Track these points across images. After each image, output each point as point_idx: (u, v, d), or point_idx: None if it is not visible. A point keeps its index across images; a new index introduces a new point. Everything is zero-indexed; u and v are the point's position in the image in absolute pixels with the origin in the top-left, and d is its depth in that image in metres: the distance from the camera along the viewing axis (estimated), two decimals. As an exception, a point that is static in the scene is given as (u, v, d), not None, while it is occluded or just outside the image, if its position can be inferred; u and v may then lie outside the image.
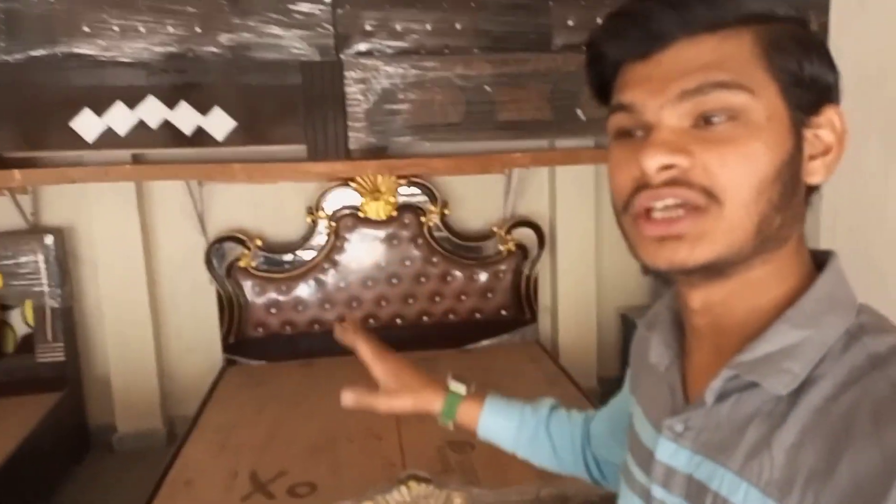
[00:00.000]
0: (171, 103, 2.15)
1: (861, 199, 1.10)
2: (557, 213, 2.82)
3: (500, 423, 0.84)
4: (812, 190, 0.52)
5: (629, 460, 0.63)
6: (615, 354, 3.08)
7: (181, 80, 2.17)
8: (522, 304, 2.82)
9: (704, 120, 0.48)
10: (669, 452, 0.54)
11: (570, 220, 2.83)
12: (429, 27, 2.33)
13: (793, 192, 0.49)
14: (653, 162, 0.48)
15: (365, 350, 0.88)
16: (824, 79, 0.49)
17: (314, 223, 2.65)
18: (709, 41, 0.48)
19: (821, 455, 0.45)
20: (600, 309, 2.99)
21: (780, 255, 0.50)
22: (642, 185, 0.49)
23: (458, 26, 2.36)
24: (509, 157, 2.42)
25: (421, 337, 2.74)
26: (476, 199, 2.82)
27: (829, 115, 0.50)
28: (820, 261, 0.53)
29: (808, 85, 0.48)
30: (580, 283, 2.90)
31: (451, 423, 0.85)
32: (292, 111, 2.28)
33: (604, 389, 2.93)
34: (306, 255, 2.68)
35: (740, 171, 0.47)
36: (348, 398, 0.87)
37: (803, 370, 0.47)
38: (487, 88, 2.38)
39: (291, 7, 2.24)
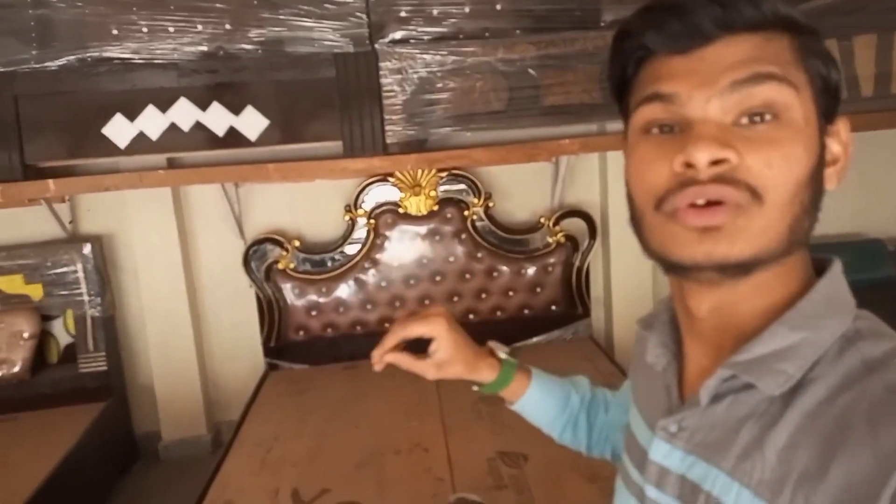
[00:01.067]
0: (203, 104, 2.12)
1: None
2: (609, 201, 2.70)
3: (544, 404, 0.84)
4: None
5: (625, 459, 0.64)
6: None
7: (213, 80, 2.14)
8: (574, 298, 2.73)
9: (747, 118, 0.48)
10: (663, 452, 0.55)
11: (623, 209, 2.68)
12: (467, 10, 2.24)
13: (819, 197, 0.50)
14: (705, 155, 0.47)
15: (404, 360, 0.83)
16: (839, 90, 0.51)
17: (353, 221, 2.61)
18: (752, 39, 0.49)
19: (813, 456, 0.45)
20: (657, 299, 2.86)
21: (793, 257, 0.51)
22: (686, 182, 0.48)
23: (498, 7, 2.25)
24: (557, 145, 2.31)
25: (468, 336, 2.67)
26: (522, 190, 2.73)
27: (839, 125, 0.52)
28: (821, 266, 0.54)
29: (832, 93, 0.51)
30: (635, 274, 2.78)
31: (492, 392, 0.85)
32: (327, 106, 2.22)
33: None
34: (346, 254, 2.63)
35: (782, 172, 0.47)
36: (380, 359, 0.82)
37: (798, 371, 0.48)
38: (532, 72, 2.28)
39: (323, -2, 2.18)
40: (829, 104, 0.51)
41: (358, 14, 2.21)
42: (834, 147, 0.52)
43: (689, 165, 0.48)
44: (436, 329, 0.82)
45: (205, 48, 2.14)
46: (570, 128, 2.44)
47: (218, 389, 2.79)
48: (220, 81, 2.15)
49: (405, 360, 0.83)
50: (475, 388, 0.86)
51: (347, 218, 2.60)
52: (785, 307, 0.51)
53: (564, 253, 2.68)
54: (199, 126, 2.13)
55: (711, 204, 0.48)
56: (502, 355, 0.85)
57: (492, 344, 0.87)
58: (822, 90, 0.50)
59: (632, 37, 0.54)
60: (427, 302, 2.68)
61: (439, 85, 2.25)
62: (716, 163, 0.47)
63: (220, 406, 2.78)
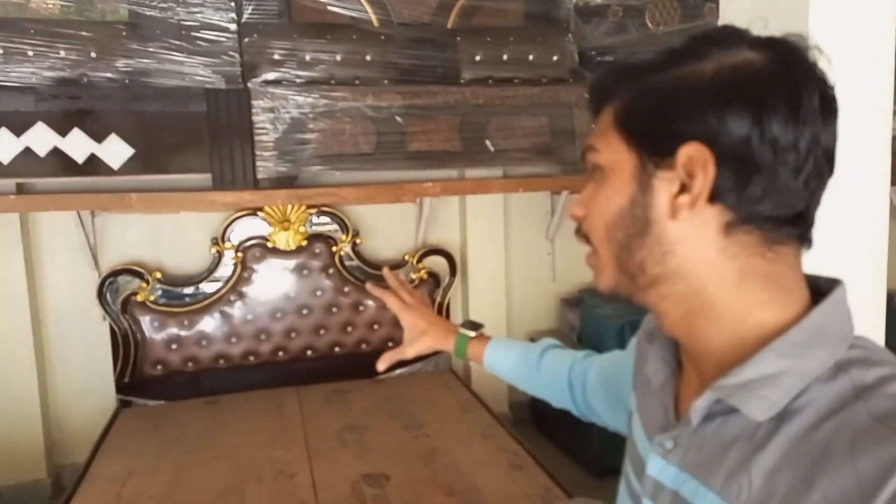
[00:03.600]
0: (62, 131, 2.07)
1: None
2: (468, 241, 2.93)
3: (499, 360, 1.02)
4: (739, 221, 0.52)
5: (627, 465, 0.67)
6: (526, 378, 3.20)
7: (74, 106, 2.10)
8: (435, 331, 2.89)
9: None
10: (658, 467, 0.58)
11: (481, 248, 2.94)
12: (339, 58, 2.40)
13: (644, 232, 0.53)
14: (572, 213, 0.62)
15: (393, 302, 1.08)
16: (677, 128, 0.51)
17: (219, 254, 2.61)
18: (604, 114, 0.58)
19: (796, 480, 0.46)
20: (511, 334, 3.11)
21: (710, 286, 0.53)
22: None
23: (368, 58, 2.43)
24: (420, 187, 2.50)
25: (333, 368, 2.74)
26: (387, 229, 2.88)
27: (683, 153, 0.51)
28: (826, 288, 0.54)
29: (658, 139, 0.53)
30: (491, 309, 3.01)
31: (465, 358, 1.05)
32: (196, 139, 2.25)
33: (515, 415, 3.05)
34: (210, 287, 2.62)
35: (593, 216, 0.57)
36: (381, 364, 1.05)
37: (783, 399, 0.49)
38: (398, 119, 2.46)
39: (195, 35, 2.23)
40: (657, 147, 0.52)
41: (231, 53, 2.28)
42: (681, 173, 0.51)
43: None
44: (404, 320, 1.06)
45: (66, 74, 2.11)
46: (432, 172, 2.64)
47: (62, 430, 2.61)
48: (81, 108, 2.12)
49: (390, 355, 1.06)
50: (454, 356, 1.06)
51: (214, 251, 2.60)
52: (775, 333, 0.51)
53: (427, 288, 2.85)
54: (56, 152, 2.08)
55: None
56: (460, 330, 1.05)
57: (462, 324, 1.06)
58: (642, 142, 0.53)
59: None
60: (293, 335, 2.72)
61: (311, 125, 2.36)
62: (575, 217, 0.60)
63: (64, 448, 2.60)
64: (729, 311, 0.53)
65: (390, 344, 2.84)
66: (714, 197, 0.50)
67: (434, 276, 2.86)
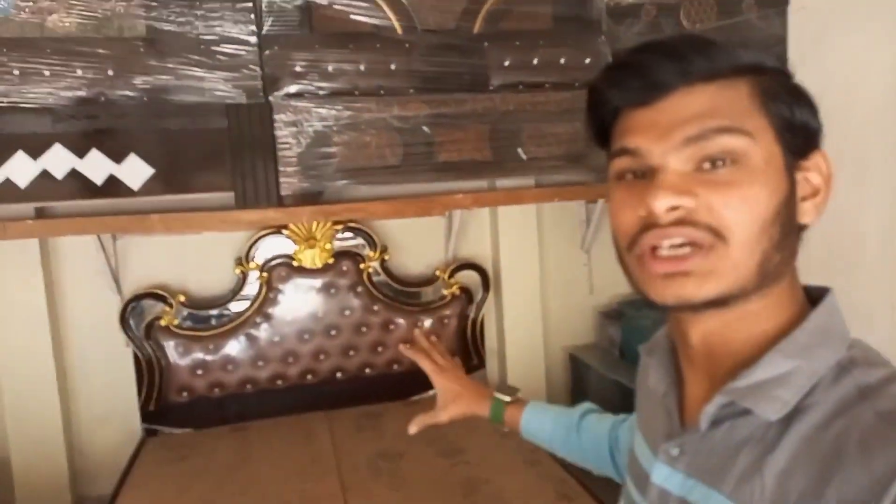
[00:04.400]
0: (80, 152, 2.01)
1: (835, 234, 1.12)
2: (501, 254, 2.81)
3: (536, 426, 1.01)
4: (802, 229, 0.56)
5: (628, 481, 0.67)
6: (565, 394, 3.07)
7: (92, 126, 2.04)
8: (469, 349, 2.78)
9: (709, 163, 0.52)
10: (664, 475, 0.58)
11: (514, 261, 2.83)
12: (362, 68, 2.31)
13: (789, 231, 0.53)
14: (661, 203, 0.51)
15: (426, 365, 1.13)
16: (811, 125, 0.54)
17: (244, 275, 2.53)
18: (707, 90, 0.52)
19: (810, 480, 0.47)
20: (548, 349, 2.98)
21: (774, 290, 0.54)
22: (649, 225, 0.53)
23: (392, 67, 2.34)
24: (451, 199, 2.39)
25: (364, 390, 2.63)
26: (416, 243, 2.78)
27: (816, 159, 0.54)
28: (816, 296, 0.57)
29: (799, 131, 0.53)
30: (527, 324, 2.89)
31: (500, 425, 1.05)
32: (217, 157, 2.18)
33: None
34: (236, 309, 2.54)
35: (743, 212, 0.51)
36: (413, 427, 1.08)
37: (793, 398, 0.50)
38: (425, 129, 2.36)
39: (215, 49, 2.16)
40: (795, 142, 0.52)
41: (251, 66, 2.21)
42: (814, 179, 0.54)
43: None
44: (437, 384, 1.11)
45: (83, 93, 2.05)
46: (461, 183, 2.53)
47: (85, 459, 2.54)
48: (99, 128, 2.06)
49: (420, 421, 1.09)
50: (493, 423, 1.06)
51: (238, 271, 2.52)
52: (777, 336, 0.53)
53: (459, 305, 2.74)
54: (74, 174, 2.01)
55: (677, 257, 0.52)
56: (496, 395, 1.06)
57: (497, 388, 1.08)
58: (786, 129, 0.52)
59: (599, 94, 0.59)
60: (322, 357, 2.62)
61: (335, 139, 2.28)
62: (674, 208, 0.52)
63: (88, 477, 2.53)
64: (763, 314, 0.54)
65: (422, 364, 2.72)
66: None
67: (466, 292, 2.74)
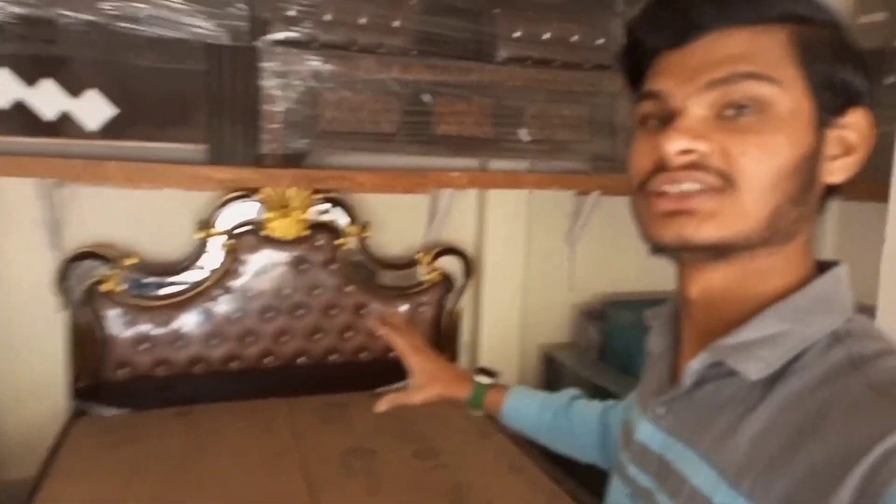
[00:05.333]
0: (30, 79, 1.75)
1: None
2: (486, 242, 2.69)
3: (521, 409, 0.98)
4: (832, 192, 0.55)
5: (619, 444, 0.67)
6: (536, 396, 2.99)
7: (46, 51, 1.78)
8: (442, 341, 2.65)
9: (732, 110, 0.51)
10: (648, 433, 0.59)
11: (500, 250, 2.71)
12: (363, 21, 2.13)
13: (809, 189, 0.52)
14: (673, 146, 0.51)
15: (400, 342, 1.03)
16: (854, 84, 0.52)
17: (205, 241, 2.30)
18: (743, 34, 0.51)
19: (783, 444, 0.47)
20: (524, 347, 2.89)
21: (785, 250, 0.53)
22: (660, 168, 0.53)
23: (395, 24, 2.17)
24: (445, 176, 2.25)
25: (327, 378, 2.47)
26: (398, 222, 2.61)
27: (856, 116, 0.52)
28: (828, 269, 0.56)
29: (838, 88, 0.51)
30: (505, 319, 2.79)
31: (479, 412, 1.00)
32: (191, 104, 1.96)
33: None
34: (192, 278, 2.31)
35: (759, 160, 0.50)
36: (382, 406, 1.00)
37: (778, 360, 0.50)
38: (425, 97, 2.21)
39: (197, -23, 1.93)
40: (833, 99, 0.51)
41: (238, 4, 1.99)
42: (850, 137, 0.53)
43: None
44: (412, 364, 1.01)
45: (37, 11, 1.78)
46: (456, 160, 2.40)
47: (3, 438, 2.27)
48: (55, 55, 1.80)
49: (390, 399, 1.00)
50: (467, 411, 1.01)
51: (200, 236, 2.29)
52: (778, 299, 0.53)
53: (438, 292, 2.60)
54: (20, 107, 1.75)
55: (683, 195, 0.52)
56: (477, 378, 1.01)
57: (475, 371, 1.02)
58: (824, 85, 0.51)
59: (634, 34, 0.58)
60: (284, 339, 2.43)
61: (326, 97, 2.09)
62: (686, 152, 0.51)
63: (5, 458, 2.26)
64: (768, 274, 0.54)
65: (393, 353, 2.57)
66: None
67: (446, 279, 2.61)
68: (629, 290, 3.20)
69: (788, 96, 0.50)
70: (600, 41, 2.47)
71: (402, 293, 2.56)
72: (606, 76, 2.47)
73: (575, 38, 2.42)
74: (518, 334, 2.85)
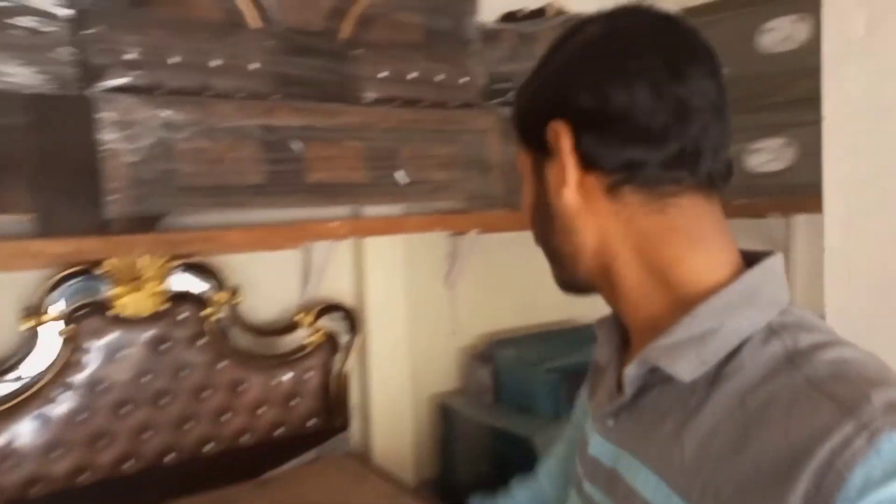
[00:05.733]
0: None
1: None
2: (368, 293, 2.52)
3: None
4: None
5: (576, 459, 0.67)
6: (434, 448, 2.84)
7: None
8: (333, 408, 2.42)
9: None
10: (598, 446, 0.60)
11: (382, 300, 2.56)
12: (216, 63, 1.92)
13: (548, 219, 0.60)
14: None
15: None
16: (539, 117, 0.58)
17: (35, 330, 1.90)
18: None
19: (727, 447, 0.47)
20: (415, 398, 2.74)
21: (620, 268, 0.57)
22: None
23: (253, 66, 1.99)
24: (324, 227, 2.08)
25: (204, 473, 2.13)
26: (268, 282, 2.37)
27: (547, 133, 0.57)
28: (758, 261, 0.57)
29: (531, 130, 0.60)
30: (394, 372, 2.63)
31: None
32: (11, 165, 1.61)
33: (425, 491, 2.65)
34: (23, 377, 1.89)
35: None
36: None
37: (711, 357, 0.51)
38: (294, 144, 2.04)
39: (8, 21, 1.62)
40: (533, 140, 0.59)
41: (62, 48, 1.70)
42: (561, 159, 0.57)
43: None
44: None
45: None
46: (326, 210, 2.24)
47: None
48: None
49: None
50: None
51: (29, 325, 1.89)
52: (708, 296, 0.53)
53: (323, 355, 2.39)
54: None
55: None
56: None
57: None
58: (525, 139, 0.61)
59: None
60: (146, 435, 2.06)
61: (181, 148, 1.84)
62: None
63: None
64: (646, 276, 0.55)
65: (280, 430, 2.30)
66: (589, 165, 0.55)
67: (331, 339, 2.40)
68: (511, 328, 3.19)
69: (519, 164, 0.64)
70: (464, 80, 2.47)
71: (283, 361, 2.30)
72: (475, 114, 2.47)
73: (440, 77, 2.40)
74: (409, 386, 2.69)
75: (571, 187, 0.56)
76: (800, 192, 3.07)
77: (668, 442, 0.51)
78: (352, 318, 2.44)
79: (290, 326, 2.31)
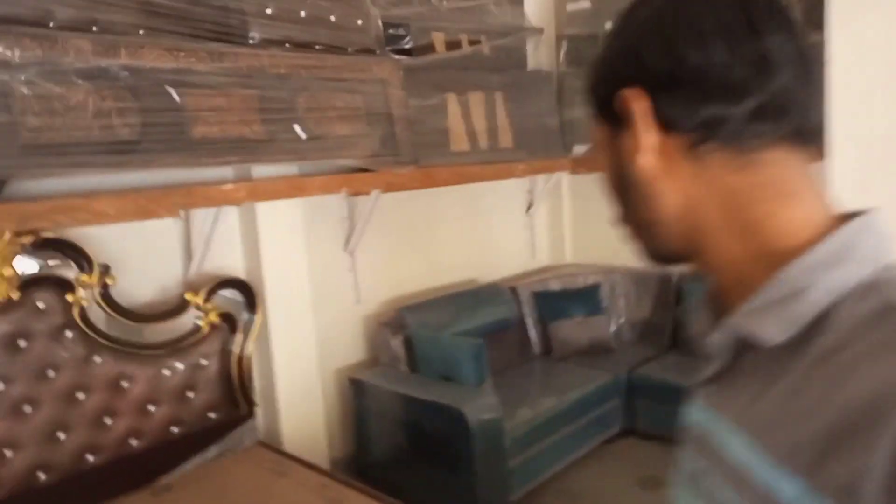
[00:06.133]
0: None
1: None
2: (263, 265, 2.25)
3: None
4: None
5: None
6: (347, 429, 2.66)
7: None
8: (237, 396, 2.15)
9: None
10: (694, 413, 0.59)
11: (281, 272, 2.29)
12: (65, -11, 1.55)
13: (626, 189, 0.58)
14: None
15: None
16: (610, 86, 0.56)
17: None
18: None
19: (817, 398, 0.46)
20: (324, 375, 2.53)
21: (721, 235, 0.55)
22: None
23: (111, -6, 1.63)
24: (218, 191, 1.79)
25: (88, 488, 1.80)
26: (143, 258, 2.03)
27: (617, 100, 0.56)
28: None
29: (605, 101, 0.57)
30: (299, 350, 2.39)
31: None
32: None
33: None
34: None
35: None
36: None
37: (801, 317, 0.49)
38: (172, 91, 1.72)
39: None
40: (608, 111, 0.57)
41: None
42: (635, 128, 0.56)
43: None
44: None
45: None
46: (213, 170, 1.94)
47: None
48: None
49: None
50: None
51: None
52: (796, 257, 0.51)
53: (220, 338, 2.10)
54: None
55: None
56: None
57: None
58: (600, 112, 0.58)
59: None
60: (8, 453, 1.69)
61: (26, 96, 1.48)
62: None
63: None
64: (735, 237, 0.54)
65: (175, 430, 2.00)
66: (668, 127, 0.53)
67: (229, 319, 2.12)
68: (415, 291, 3.03)
69: (595, 139, 0.60)
70: (360, 21, 2.23)
71: (174, 349, 1.99)
72: (375, 62, 2.24)
73: (333, 17, 2.14)
74: (316, 363, 2.47)
75: (648, 152, 0.54)
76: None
77: (757, 403, 0.51)
78: (249, 294, 2.15)
79: (177, 308, 2.00)
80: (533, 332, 3.12)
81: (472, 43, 2.85)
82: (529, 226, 3.53)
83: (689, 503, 0.58)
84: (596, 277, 3.27)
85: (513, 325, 3.05)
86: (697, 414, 0.59)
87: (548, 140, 3.11)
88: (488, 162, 2.83)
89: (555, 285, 3.23)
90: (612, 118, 0.57)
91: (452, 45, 2.74)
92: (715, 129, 0.53)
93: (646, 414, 2.81)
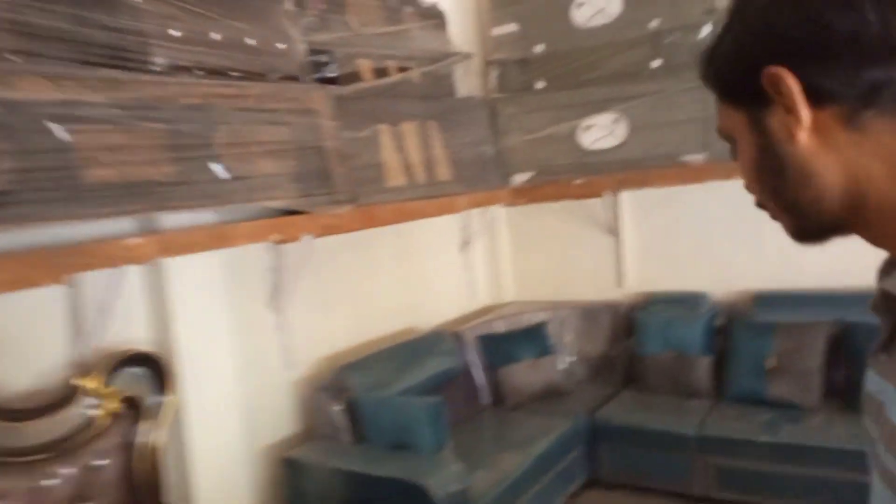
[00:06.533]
0: None
1: None
2: (176, 333, 1.88)
3: None
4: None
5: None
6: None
7: None
8: (143, 498, 1.76)
9: None
10: (870, 382, 0.59)
11: (197, 340, 1.94)
12: None
13: (779, 170, 0.55)
14: None
15: None
16: (748, 66, 0.54)
17: None
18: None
19: None
20: (252, 458, 2.17)
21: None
22: None
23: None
24: (119, 247, 1.44)
25: None
26: (19, 337, 1.62)
27: (764, 80, 0.53)
28: None
29: (743, 82, 0.55)
30: (223, 431, 2.04)
31: None
32: None
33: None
34: None
35: (747, 181, 0.60)
36: None
37: None
38: (55, 128, 1.37)
39: None
40: (747, 92, 0.54)
41: None
42: (780, 101, 0.54)
43: None
44: None
45: None
46: (112, 222, 1.59)
47: None
48: None
49: None
50: None
51: None
52: None
53: (121, 430, 1.72)
54: None
55: None
56: None
57: None
58: (736, 95, 0.57)
59: None
60: None
61: None
62: None
63: None
64: None
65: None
66: (820, 100, 0.51)
67: (132, 403, 1.74)
68: (350, 347, 2.72)
69: (729, 126, 0.60)
70: (281, 46, 1.96)
71: (60, 451, 1.58)
72: (302, 90, 1.97)
73: (251, 40, 1.86)
74: (243, 444, 2.12)
75: (805, 129, 0.52)
76: (632, 167, 3.08)
77: None
78: (158, 371, 1.78)
79: (64, 399, 1.60)
80: (481, 381, 2.88)
81: (400, 70, 2.64)
82: (467, 264, 3.31)
83: (875, 477, 0.58)
84: (542, 315, 3.09)
85: (459, 375, 2.80)
86: (871, 382, 0.58)
87: (485, 170, 2.94)
88: (427, 197, 2.61)
89: (499, 327, 3.02)
90: (751, 100, 0.54)
91: (380, 72, 2.52)
92: (875, 94, 0.49)
93: (610, 460, 2.63)
